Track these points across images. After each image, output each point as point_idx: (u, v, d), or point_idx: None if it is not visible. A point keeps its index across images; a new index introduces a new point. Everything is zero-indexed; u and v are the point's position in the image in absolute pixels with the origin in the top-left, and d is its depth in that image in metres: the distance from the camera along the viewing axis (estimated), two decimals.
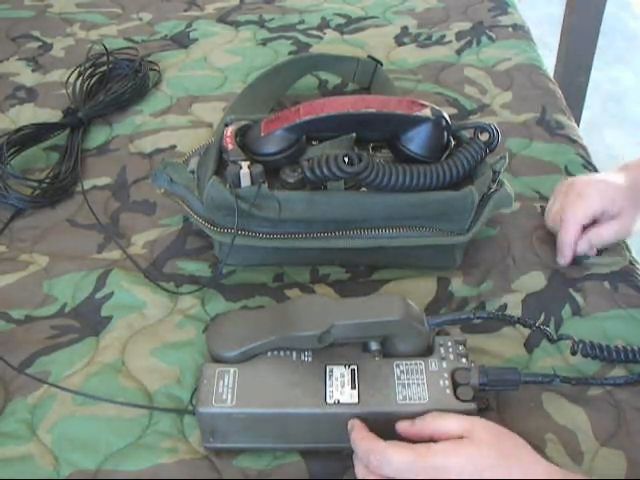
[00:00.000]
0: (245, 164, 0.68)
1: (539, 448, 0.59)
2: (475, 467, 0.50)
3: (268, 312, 0.63)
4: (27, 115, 0.99)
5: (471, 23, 1.19)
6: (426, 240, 0.71)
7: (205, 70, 1.08)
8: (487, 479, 0.50)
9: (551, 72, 1.19)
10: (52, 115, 0.98)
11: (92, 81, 1.01)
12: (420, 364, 0.59)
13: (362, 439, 0.54)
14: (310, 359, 0.59)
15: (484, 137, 0.71)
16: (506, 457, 0.51)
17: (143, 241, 0.79)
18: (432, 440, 0.53)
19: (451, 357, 0.60)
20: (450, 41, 1.14)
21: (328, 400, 0.57)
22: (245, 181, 0.68)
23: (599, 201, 0.72)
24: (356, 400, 0.57)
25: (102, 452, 0.60)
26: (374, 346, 0.60)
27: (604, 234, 0.73)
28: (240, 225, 0.69)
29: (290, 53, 1.11)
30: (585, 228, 0.73)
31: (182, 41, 1.15)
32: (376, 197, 0.69)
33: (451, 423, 0.54)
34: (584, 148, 0.92)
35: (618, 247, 0.77)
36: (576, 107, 1.79)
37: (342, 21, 1.20)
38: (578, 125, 1.00)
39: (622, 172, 0.76)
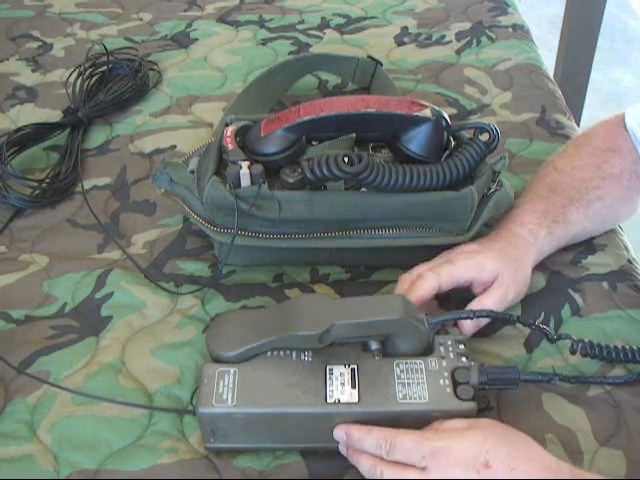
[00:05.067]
0: (245, 164, 0.68)
1: None
2: (478, 449, 0.52)
3: (268, 312, 0.63)
4: (27, 115, 0.99)
5: (471, 23, 1.19)
6: (426, 240, 0.71)
7: (205, 70, 1.08)
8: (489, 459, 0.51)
9: (551, 72, 1.18)
10: (52, 115, 0.98)
11: (92, 81, 1.01)
12: (420, 363, 0.59)
13: (369, 432, 0.55)
14: (310, 359, 0.60)
15: (484, 137, 0.71)
16: (511, 441, 0.53)
17: (143, 241, 0.80)
18: None
19: (451, 356, 0.60)
20: (450, 41, 1.14)
21: (328, 400, 0.57)
22: (245, 181, 0.68)
23: (468, 269, 0.67)
24: (356, 399, 0.57)
25: (102, 452, 0.60)
26: (374, 345, 0.60)
27: (487, 304, 0.66)
28: (240, 225, 0.69)
29: (290, 53, 1.11)
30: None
31: (182, 41, 1.15)
32: (376, 197, 0.69)
33: (456, 421, 0.55)
34: None
35: (616, 246, 0.77)
36: (576, 107, 1.79)
37: (342, 21, 1.20)
38: (578, 125, 1.00)
39: (493, 238, 0.71)
